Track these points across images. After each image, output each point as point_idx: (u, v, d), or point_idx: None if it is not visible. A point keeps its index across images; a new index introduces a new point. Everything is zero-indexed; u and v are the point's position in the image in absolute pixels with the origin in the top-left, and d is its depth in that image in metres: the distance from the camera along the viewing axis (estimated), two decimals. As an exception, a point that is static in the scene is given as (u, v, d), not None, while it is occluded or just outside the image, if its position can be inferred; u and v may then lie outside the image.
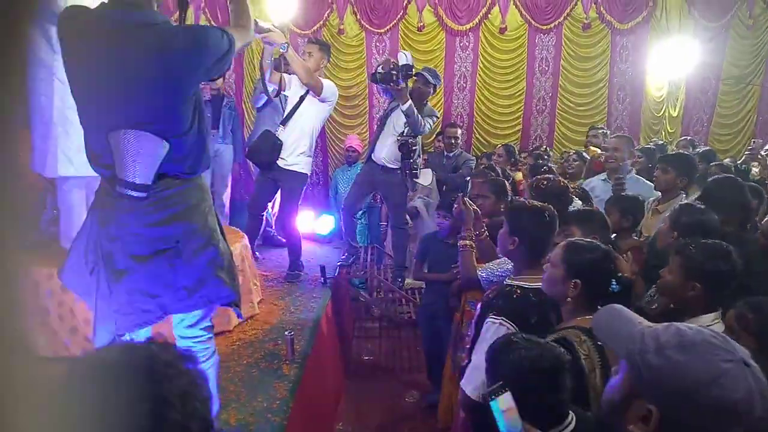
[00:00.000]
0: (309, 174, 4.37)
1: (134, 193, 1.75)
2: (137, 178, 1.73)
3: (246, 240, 3.86)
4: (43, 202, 3.33)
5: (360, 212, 5.56)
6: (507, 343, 1.54)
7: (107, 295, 1.87)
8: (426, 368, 4.02)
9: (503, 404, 1.29)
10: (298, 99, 4.17)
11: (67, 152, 2.76)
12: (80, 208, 2.96)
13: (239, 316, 2.19)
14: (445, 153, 5.69)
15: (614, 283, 1.74)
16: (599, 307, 1.51)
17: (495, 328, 1.93)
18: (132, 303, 1.86)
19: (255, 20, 2.10)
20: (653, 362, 0.96)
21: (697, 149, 5.37)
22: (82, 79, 1.75)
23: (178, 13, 2.04)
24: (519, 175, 4.56)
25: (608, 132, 5.57)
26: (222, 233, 2.03)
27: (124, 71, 1.68)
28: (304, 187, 4.38)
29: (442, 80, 6.66)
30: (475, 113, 6.80)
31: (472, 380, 1.99)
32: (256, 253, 4.67)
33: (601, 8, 6.53)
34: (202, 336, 2.03)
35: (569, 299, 1.77)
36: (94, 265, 1.86)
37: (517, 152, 5.40)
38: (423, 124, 4.49)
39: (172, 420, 0.79)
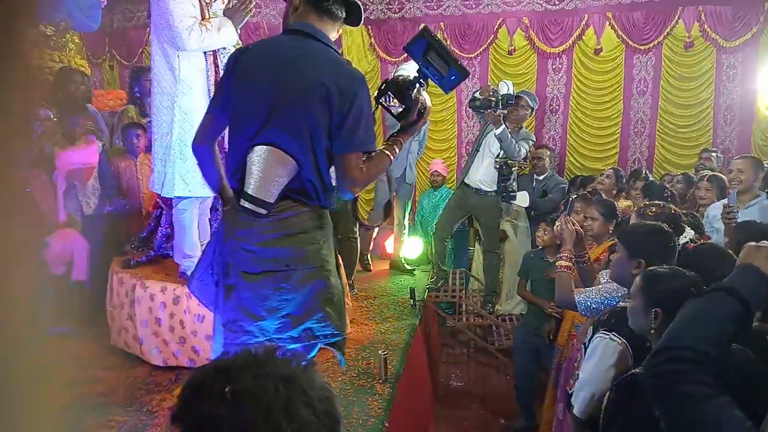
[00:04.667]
0: None
1: (255, 208, 1.77)
2: (261, 194, 1.76)
3: (339, 259, 3.95)
4: (159, 220, 3.60)
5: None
6: None
7: (222, 308, 1.92)
8: (514, 393, 3.93)
9: None
10: None
11: (183, 175, 2.97)
12: (192, 226, 3.18)
13: (341, 362, 2.04)
14: (535, 176, 5.58)
15: None
16: None
17: (604, 344, 1.86)
18: (237, 321, 1.86)
19: None
20: None
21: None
22: (245, 96, 1.81)
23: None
24: (626, 203, 4.34)
25: (721, 155, 5.21)
26: (337, 267, 1.97)
27: (284, 90, 1.75)
28: None
29: (534, 103, 6.59)
30: (568, 136, 6.64)
31: (579, 399, 1.94)
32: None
33: (705, 26, 6.19)
34: None
35: (653, 331, 1.67)
36: (218, 277, 1.92)
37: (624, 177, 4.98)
38: (518, 148, 4.45)
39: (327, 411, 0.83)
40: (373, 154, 1.85)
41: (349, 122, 1.76)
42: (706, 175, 3.97)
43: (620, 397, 1.64)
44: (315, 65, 1.76)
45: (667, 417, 1.10)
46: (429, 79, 1.86)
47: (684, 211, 3.08)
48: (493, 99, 4.27)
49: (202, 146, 1.96)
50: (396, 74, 1.89)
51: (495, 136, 4.39)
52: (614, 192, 4.55)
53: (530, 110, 4.71)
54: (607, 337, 1.88)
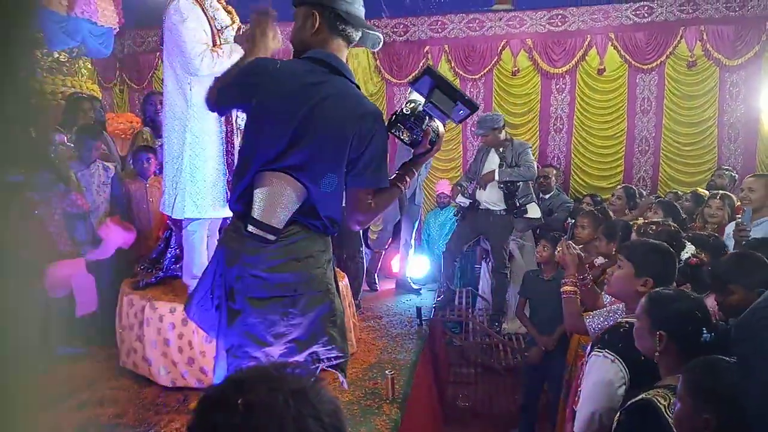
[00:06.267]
0: None
1: (264, 234, 1.77)
2: (271, 220, 1.76)
3: (346, 280, 3.98)
4: (168, 241, 3.64)
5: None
6: None
7: (225, 333, 1.90)
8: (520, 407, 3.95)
9: None
10: None
11: (193, 196, 3.02)
12: (201, 247, 3.22)
13: (343, 383, 2.00)
14: (541, 195, 5.61)
15: (705, 332, 1.62)
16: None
17: (599, 362, 1.88)
18: (242, 347, 1.84)
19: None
20: None
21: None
22: (264, 123, 1.80)
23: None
24: (640, 222, 4.33)
25: (735, 175, 5.19)
26: (338, 290, 1.96)
27: (309, 127, 1.74)
28: None
29: (537, 122, 6.66)
30: (572, 155, 6.69)
31: (579, 418, 1.94)
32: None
33: (708, 45, 6.27)
34: None
35: (658, 353, 1.68)
36: (220, 301, 1.90)
37: (637, 195, 4.84)
38: (526, 169, 4.55)
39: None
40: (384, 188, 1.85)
41: (362, 161, 1.77)
42: (719, 193, 3.98)
43: (632, 422, 1.63)
44: (343, 107, 1.76)
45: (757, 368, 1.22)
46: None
47: (706, 233, 3.08)
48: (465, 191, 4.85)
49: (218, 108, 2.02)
50: (408, 99, 1.87)
51: (500, 183, 4.64)
52: (627, 211, 4.46)
53: (493, 131, 4.69)
54: (601, 354, 1.89)
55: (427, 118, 1.81)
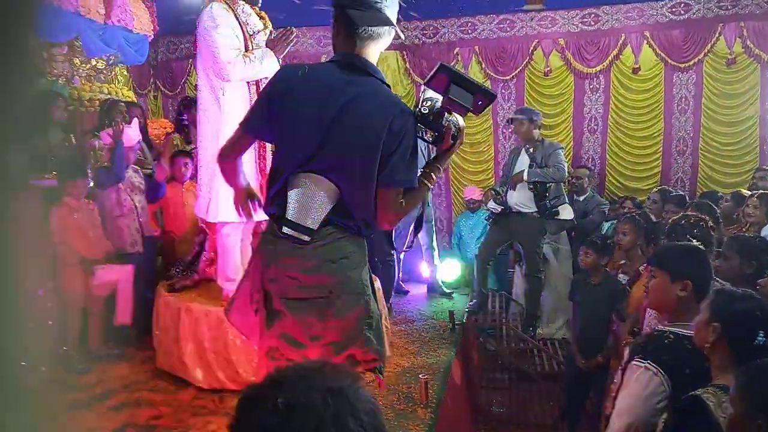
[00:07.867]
0: None
1: (298, 235, 1.76)
2: (305, 221, 1.76)
3: (378, 283, 3.96)
4: (203, 245, 3.68)
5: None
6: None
7: (263, 336, 1.91)
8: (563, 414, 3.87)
9: None
10: None
11: (227, 200, 3.03)
12: (235, 251, 3.25)
13: (380, 383, 1.96)
14: (575, 197, 5.50)
15: (761, 335, 1.58)
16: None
17: (640, 373, 1.82)
18: (280, 349, 1.85)
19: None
20: None
21: None
22: (294, 126, 1.80)
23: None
24: None
25: None
26: (374, 292, 1.94)
27: (338, 129, 1.73)
28: None
29: (571, 123, 6.55)
30: (607, 156, 6.55)
31: (615, 428, 1.88)
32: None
33: (748, 42, 6.06)
34: None
35: (708, 345, 1.66)
36: (258, 305, 1.91)
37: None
38: (557, 169, 4.47)
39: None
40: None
41: (393, 160, 1.74)
42: (757, 192, 3.84)
43: (681, 419, 1.60)
44: (373, 105, 1.75)
45: None
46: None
47: (752, 235, 2.97)
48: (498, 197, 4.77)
49: (227, 161, 1.96)
50: (423, 98, 1.82)
51: (529, 183, 4.57)
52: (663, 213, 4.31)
53: (530, 122, 4.64)
54: (643, 365, 1.82)
55: (445, 113, 1.79)
